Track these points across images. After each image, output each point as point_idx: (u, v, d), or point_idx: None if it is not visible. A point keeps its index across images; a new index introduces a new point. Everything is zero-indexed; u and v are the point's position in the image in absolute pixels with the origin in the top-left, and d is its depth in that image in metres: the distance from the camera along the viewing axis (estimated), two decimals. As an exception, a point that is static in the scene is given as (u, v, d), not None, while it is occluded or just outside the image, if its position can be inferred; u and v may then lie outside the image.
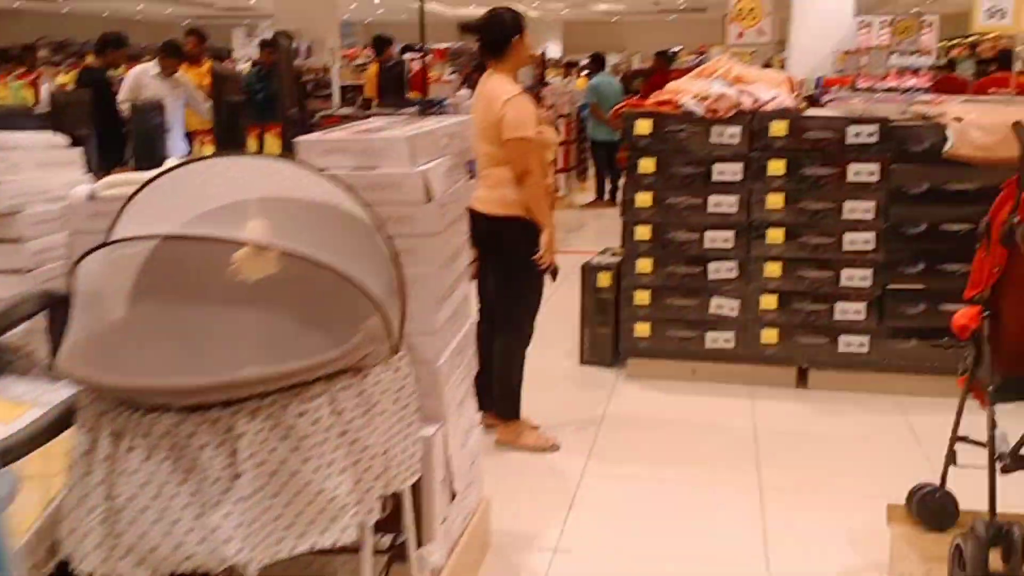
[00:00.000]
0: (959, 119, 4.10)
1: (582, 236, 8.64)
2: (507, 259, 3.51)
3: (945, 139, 4.10)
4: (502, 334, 3.60)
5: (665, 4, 28.23)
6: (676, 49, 24.45)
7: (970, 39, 23.41)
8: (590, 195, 11.41)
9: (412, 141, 2.24)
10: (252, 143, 5.07)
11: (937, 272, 4.16)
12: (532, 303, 3.59)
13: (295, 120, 4.98)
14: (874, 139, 4.15)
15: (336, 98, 5.77)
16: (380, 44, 8.67)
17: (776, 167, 4.23)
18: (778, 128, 4.22)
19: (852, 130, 4.17)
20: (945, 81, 11.05)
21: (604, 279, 4.62)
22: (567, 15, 31.19)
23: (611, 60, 19.14)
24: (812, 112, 4.40)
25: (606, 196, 11.07)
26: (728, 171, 4.27)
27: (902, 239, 4.17)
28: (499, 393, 3.61)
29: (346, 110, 5.21)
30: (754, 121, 4.24)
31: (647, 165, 4.34)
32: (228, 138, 5.00)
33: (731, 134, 4.25)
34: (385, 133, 2.32)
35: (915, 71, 12.39)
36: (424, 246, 2.26)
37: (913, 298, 4.20)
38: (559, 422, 3.93)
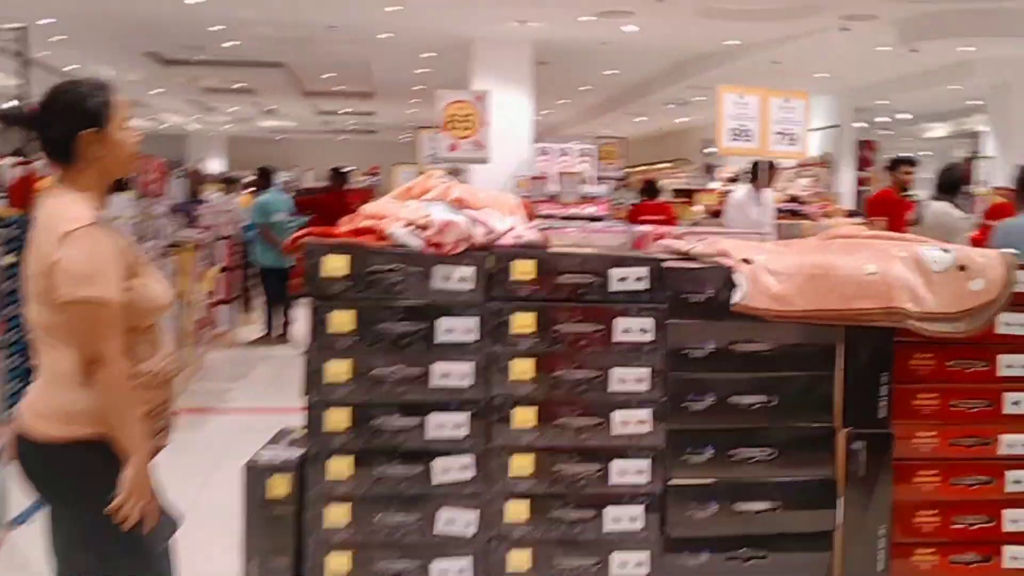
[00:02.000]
0: (747, 261, 3.19)
1: (248, 388, 7.04)
2: (78, 515, 1.99)
3: (732, 286, 3.17)
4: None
5: (335, 124, 27.56)
6: (350, 168, 23.65)
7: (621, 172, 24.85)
8: (258, 329, 9.82)
9: None
10: None
11: (729, 460, 3.15)
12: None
13: None
14: (644, 285, 3.12)
15: None
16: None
17: (523, 323, 3.06)
18: (523, 270, 3.07)
19: (616, 273, 3.11)
20: None
21: (279, 485, 3.14)
22: (231, 130, 29.57)
23: (281, 177, 17.87)
24: (564, 247, 3.32)
25: (277, 332, 9.55)
26: (459, 328, 3.03)
27: (685, 416, 3.14)
28: None
29: None
30: (491, 260, 3.07)
31: (342, 321, 3.00)
32: None
33: (462, 277, 3.04)
34: None
35: (593, 198, 12.27)
36: None
37: (702, 496, 3.14)
38: None
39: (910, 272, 3.14)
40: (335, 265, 3.00)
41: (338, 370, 3.00)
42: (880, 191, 7.37)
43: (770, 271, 3.08)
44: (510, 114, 12.27)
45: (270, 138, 30.68)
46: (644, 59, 14.52)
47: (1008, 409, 3.25)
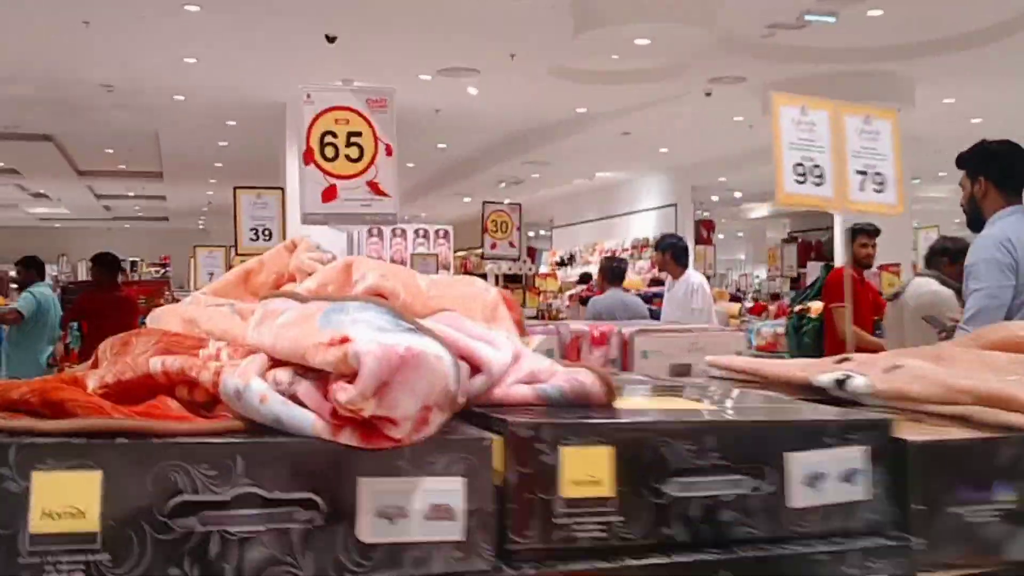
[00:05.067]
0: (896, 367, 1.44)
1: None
2: None
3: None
4: None
5: (119, 210, 24.59)
6: (134, 259, 20.77)
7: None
8: None
9: None
10: None
11: None
12: None
13: None
14: (860, 489, 1.30)
15: None
16: None
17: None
18: (587, 472, 1.17)
19: (800, 465, 1.28)
20: None
21: None
22: (-8, 217, 25.93)
23: (50, 271, 15.09)
24: (658, 404, 1.45)
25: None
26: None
27: None
28: None
29: None
30: (503, 450, 1.16)
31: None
32: None
33: (436, 508, 1.11)
34: None
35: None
36: None
37: None
38: None
39: None
40: (64, 499, 1.01)
41: None
42: (836, 270, 5.97)
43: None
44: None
45: (43, 226, 27.09)
46: (479, 130, 13.02)
47: None
